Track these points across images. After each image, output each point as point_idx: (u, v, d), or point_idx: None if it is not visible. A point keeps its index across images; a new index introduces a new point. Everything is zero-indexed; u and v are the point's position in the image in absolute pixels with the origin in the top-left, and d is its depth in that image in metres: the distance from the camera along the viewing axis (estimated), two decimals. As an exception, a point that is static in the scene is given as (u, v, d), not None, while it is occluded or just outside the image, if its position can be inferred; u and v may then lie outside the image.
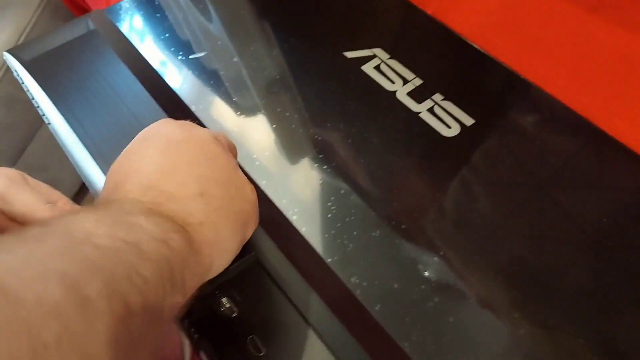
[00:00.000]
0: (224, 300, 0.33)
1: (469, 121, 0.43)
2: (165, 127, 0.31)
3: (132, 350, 0.20)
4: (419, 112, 0.44)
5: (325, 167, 0.41)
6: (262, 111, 0.46)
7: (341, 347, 0.32)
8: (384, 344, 0.33)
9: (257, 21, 0.53)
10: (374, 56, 0.49)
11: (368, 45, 0.50)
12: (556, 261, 0.36)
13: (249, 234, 0.31)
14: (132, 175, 0.28)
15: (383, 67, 0.48)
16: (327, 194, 0.40)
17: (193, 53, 0.50)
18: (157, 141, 0.30)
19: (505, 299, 0.35)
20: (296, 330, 0.32)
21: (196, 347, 0.33)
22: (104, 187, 0.29)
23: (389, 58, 0.48)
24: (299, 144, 0.43)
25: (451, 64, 0.50)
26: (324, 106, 0.45)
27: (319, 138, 0.43)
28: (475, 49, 0.49)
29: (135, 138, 0.31)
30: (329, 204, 0.39)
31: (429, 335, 0.33)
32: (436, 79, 0.47)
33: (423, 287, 0.35)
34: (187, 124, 0.32)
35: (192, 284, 0.25)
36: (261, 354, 0.31)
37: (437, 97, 0.45)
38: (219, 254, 0.28)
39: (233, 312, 0.33)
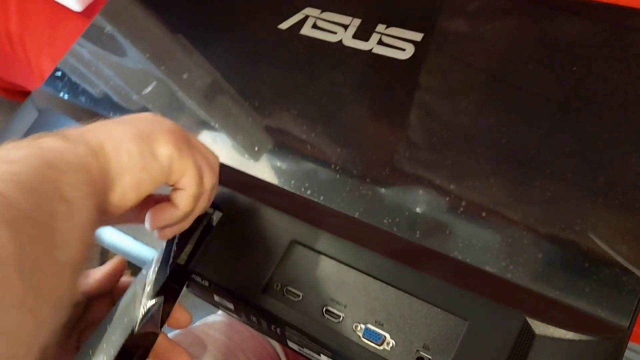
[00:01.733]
0: (286, 289, 0.36)
1: (418, 37, 0.45)
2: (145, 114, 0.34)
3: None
4: (371, 49, 0.46)
5: (313, 135, 0.43)
6: (235, 110, 0.47)
7: (406, 281, 0.34)
8: (437, 262, 0.35)
9: (188, 35, 0.54)
10: (307, 16, 0.50)
11: (296, 9, 0.51)
12: (558, 138, 0.39)
13: (161, 148, 0.31)
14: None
15: (320, 23, 0.49)
16: (327, 157, 0.42)
17: (143, 88, 0.51)
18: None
19: (523, 185, 0.37)
20: (359, 284, 0.35)
21: (284, 341, 0.35)
22: None
23: (321, 12, 0.49)
24: (280, 126, 0.45)
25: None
26: (286, 82, 0.47)
27: (296, 113, 0.45)
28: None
29: None
30: (332, 165, 0.41)
31: (473, 238, 0.36)
32: (372, 13, 0.48)
33: (447, 198, 0.37)
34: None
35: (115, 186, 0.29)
36: (341, 318, 0.34)
37: (380, 28, 0.47)
38: (121, 148, 0.30)
39: (298, 296, 0.35)
